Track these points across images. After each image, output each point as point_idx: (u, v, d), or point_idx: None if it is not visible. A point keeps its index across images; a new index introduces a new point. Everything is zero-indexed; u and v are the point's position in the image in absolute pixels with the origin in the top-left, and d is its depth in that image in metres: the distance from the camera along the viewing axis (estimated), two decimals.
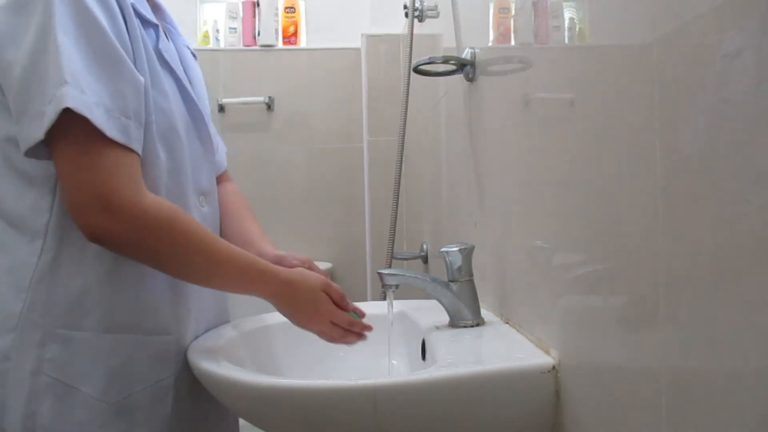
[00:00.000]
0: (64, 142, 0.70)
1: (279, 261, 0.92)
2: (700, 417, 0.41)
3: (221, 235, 0.97)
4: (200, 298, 0.88)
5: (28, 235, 0.75)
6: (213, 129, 0.97)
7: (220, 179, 1.03)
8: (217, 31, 2.43)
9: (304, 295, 0.84)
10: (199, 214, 0.87)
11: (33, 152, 0.71)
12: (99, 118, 0.69)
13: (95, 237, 0.72)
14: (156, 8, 0.90)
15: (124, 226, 0.71)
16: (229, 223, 1.00)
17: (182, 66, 0.90)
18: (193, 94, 0.89)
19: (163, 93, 0.81)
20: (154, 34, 0.84)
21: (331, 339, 0.87)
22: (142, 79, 0.75)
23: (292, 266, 0.89)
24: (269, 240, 1.00)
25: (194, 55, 1.00)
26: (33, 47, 0.69)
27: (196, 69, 0.98)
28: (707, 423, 0.40)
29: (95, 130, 0.69)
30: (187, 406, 0.84)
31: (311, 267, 0.94)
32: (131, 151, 0.73)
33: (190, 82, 0.91)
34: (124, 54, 0.73)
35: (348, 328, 0.87)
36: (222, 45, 2.41)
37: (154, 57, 0.82)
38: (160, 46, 0.84)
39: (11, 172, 0.76)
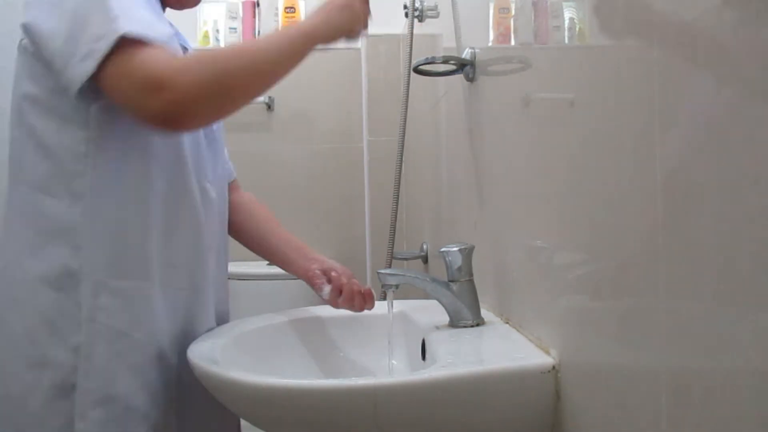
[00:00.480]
0: (114, 65, 0.72)
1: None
2: (700, 417, 0.41)
3: (263, 241, 1.12)
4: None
5: (67, 199, 0.80)
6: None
7: (233, 187, 1.10)
8: (217, 31, 2.43)
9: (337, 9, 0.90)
10: (207, 198, 0.93)
11: (80, 93, 0.75)
12: (150, 36, 0.73)
13: (174, 117, 0.73)
14: None
15: (185, 89, 0.71)
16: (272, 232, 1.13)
17: None
18: None
19: None
20: None
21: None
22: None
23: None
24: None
25: None
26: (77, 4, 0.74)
27: None
28: (707, 423, 0.40)
29: (139, 44, 0.72)
30: None
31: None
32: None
33: None
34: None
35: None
36: (222, 45, 2.41)
37: None
38: None
39: (34, 141, 0.81)
